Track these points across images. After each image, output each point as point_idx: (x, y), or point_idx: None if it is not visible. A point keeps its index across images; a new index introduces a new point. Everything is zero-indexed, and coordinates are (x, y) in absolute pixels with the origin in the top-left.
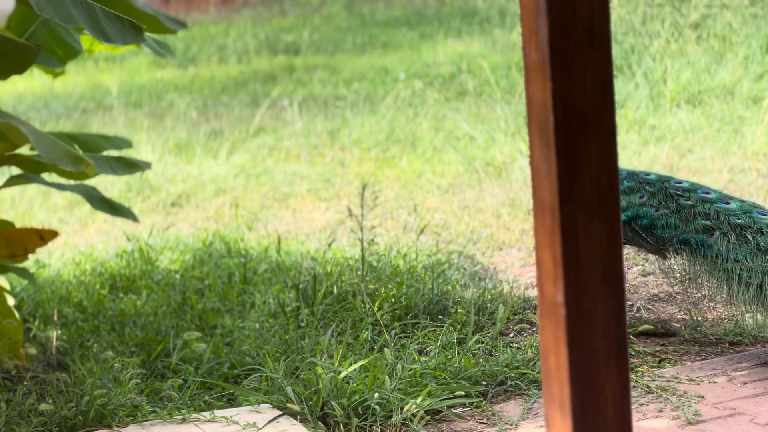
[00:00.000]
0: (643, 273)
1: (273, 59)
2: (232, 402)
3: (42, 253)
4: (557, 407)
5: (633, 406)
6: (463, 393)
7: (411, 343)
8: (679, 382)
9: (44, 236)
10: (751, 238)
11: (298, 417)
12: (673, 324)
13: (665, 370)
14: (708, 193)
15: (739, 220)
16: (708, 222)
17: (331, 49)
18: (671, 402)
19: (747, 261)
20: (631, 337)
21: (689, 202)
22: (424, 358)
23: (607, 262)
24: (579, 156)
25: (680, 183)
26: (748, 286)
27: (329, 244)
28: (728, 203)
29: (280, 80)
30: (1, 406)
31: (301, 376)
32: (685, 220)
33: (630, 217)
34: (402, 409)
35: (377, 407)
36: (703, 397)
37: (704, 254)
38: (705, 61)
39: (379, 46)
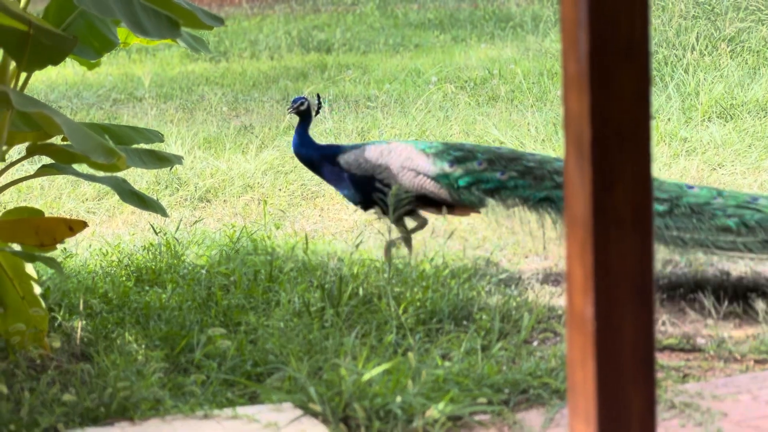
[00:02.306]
0: (670, 286)
1: (305, 56)
2: (254, 400)
3: (69, 242)
4: (582, 420)
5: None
6: (485, 400)
7: (435, 347)
8: (702, 399)
9: (73, 226)
10: None
11: (320, 418)
12: (698, 339)
13: (689, 385)
14: (534, 155)
15: None
16: (561, 179)
17: (363, 49)
18: (694, 418)
19: None
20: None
21: (531, 164)
22: (447, 364)
23: (637, 277)
24: (613, 169)
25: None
26: None
27: (356, 246)
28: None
29: (311, 78)
30: (25, 395)
31: (324, 376)
32: (539, 178)
33: (470, 182)
34: (424, 414)
35: (399, 411)
36: (726, 414)
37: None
38: (738, 75)
39: (411, 47)
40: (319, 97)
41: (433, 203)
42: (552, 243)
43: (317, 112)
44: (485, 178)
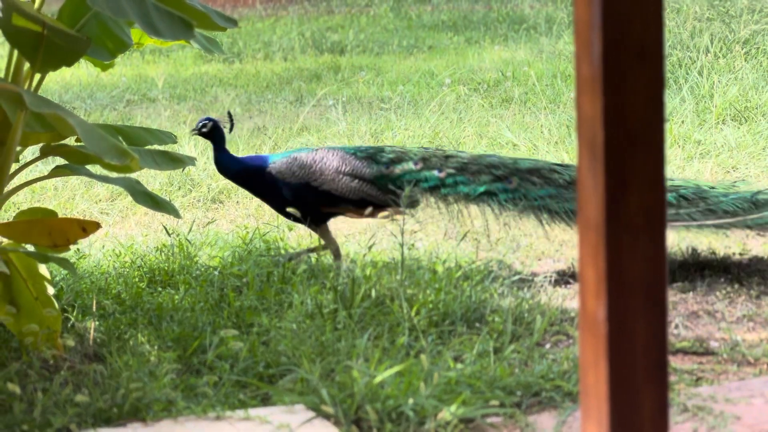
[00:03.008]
0: (683, 289)
1: (318, 58)
2: (266, 401)
3: (82, 243)
4: (594, 423)
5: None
6: (497, 402)
7: (447, 349)
8: (715, 402)
9: (86, 227)
10: (544, 178)
11: (332, 419)
12: (712, 343)
13: (702, 389)
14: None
15: (528, 165)
16: (499, 172)
17: (377, 51)
18: (707, 422)
19: (549, 196)
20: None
21: (466, 160)
22: (459, 366)
23: (650, 281)
24: (627, 173)
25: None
26: (556, 214)
27: (369, 247)
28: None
29: (325, 79)
30: (38, 396)
31: (337, 378)
32: (476, 173)
33: (409, 182)
34: (436, 416)
35: (411, 413)
36: (739, 418)
37: (512, 199)
38: (753, 77)
39: (425, 49)
40: (230, 114)
41: (367, 206)
42: (565, 245)
43: (231, 130)
44: (424, 177)
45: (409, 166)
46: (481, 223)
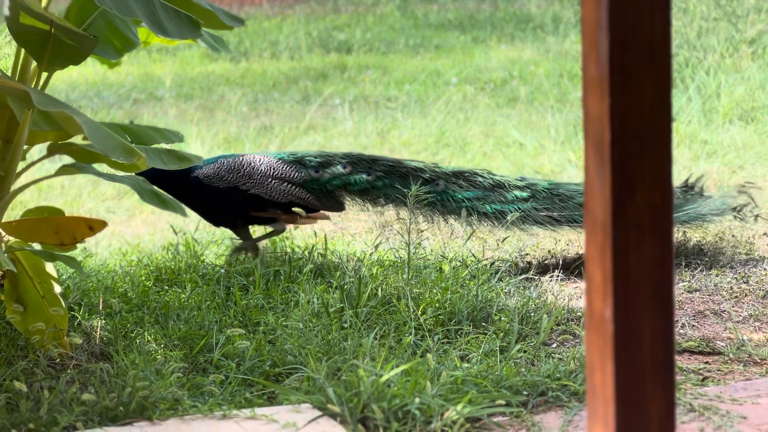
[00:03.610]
0: (689, 289)
1: (325, 57)
2: (272, 400)
3: (89, 242)
4: (601, 424)
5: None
6: (503, 402)
7: (453, 349)
8: (722, 402)
9: (93, 226)
10: (469, 181)
11: (338, 418)
12: (718, 342)
13: (708, 388)
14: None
15: (452, 169)
16: (426, 175)
17: (383, 50)
18: (713, 421)
19: (476, 198)
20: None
21: (392, 163)
22: (465, 365)
23: (657, 280)
24: (634, 173)
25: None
26: (483, 215)
27: (376, 246)
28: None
29: (331, 78)
30: (44, 394)
31: (343, 377)
32: (404, 176)
33: (339, 186)
34: (442, 415)
35: (417, 412)
36: (746, 417)
37: (440, 200)
38: (760, 77)
39: (431, 48)
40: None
41: (297, 209)
42: (571, 245)
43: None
44: (353, 180)
45: (338, 169)
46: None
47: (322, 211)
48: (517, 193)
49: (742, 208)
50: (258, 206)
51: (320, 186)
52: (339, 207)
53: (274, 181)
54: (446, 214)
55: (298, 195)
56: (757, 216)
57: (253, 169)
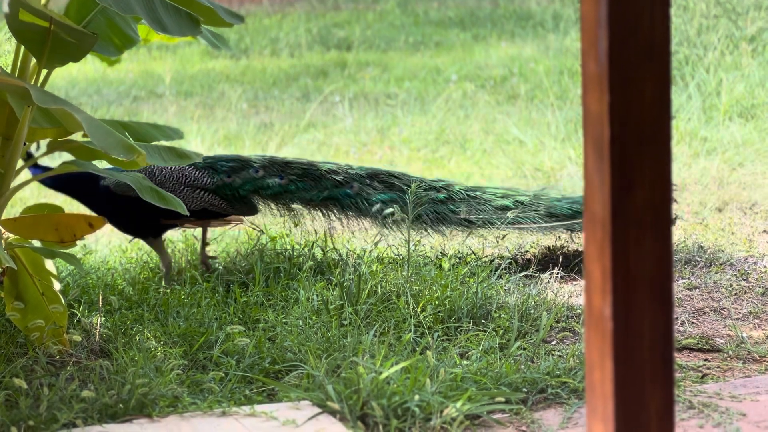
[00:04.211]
0: (689, 286)
1: (325, 54)
2: (272, 397)
3: (89, 239)
4: (600, 421)
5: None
6: (503, 399)
7: (453, 346)
8: (721, 399)
9: (93, 223)
10: (384, 183)
11: (338, 416)
12: (717, 339)
13: (707, 385)
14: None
15: (367, 171)
16: (340, 177)
17: (384, 47)
18: (713, 418)
19: (391, 200)
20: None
21: (305, 166)
22: (465, 362)
23: (656, 278)
24: (633, 170)
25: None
26: (392, 214)
27: (375, 243)
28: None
29: (331, 76)
30: (44, 391)
31: (342, 374)
32: (317, 179)
33: (252, 190)
34: (442, 412)
35: (417, 409)
36: (745, 414)
37: (354, 203)
38: (760, 74)
39: (431, 45)
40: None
41: (209, 216)
42: (571, 242)
43: (38, 148)
44: (266, 184)
45: (250, 174)
46: (325, 227)
47: (235, 217)
48: (434, 194)
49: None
50: (170, 214)
51: (233, 191)
52: (252, 211)
53: (186, 188)
54: (362, 216)
55: (211, 202)
56: (676, 218)
57: (165, 177)
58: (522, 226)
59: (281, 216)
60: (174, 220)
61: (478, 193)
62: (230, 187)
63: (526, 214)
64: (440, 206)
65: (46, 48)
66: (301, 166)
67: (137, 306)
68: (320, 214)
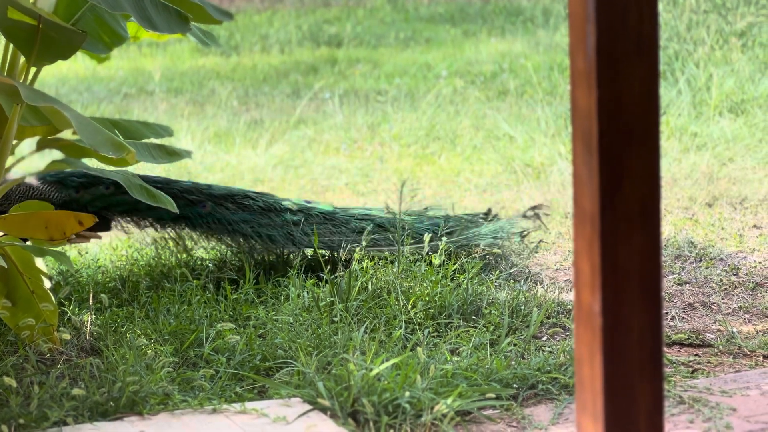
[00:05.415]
0: (679, 282)
1: (315, 51)
2: (263, 394)
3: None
4: (590, 417)
5: (664, 417)
6: (493, 395)
7: (444, 342)
8: (711, 394)
9: (83, 221)
10: (238, 204)
11: (329, 412)
12: (708, 335)
13: (698, 381)
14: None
15: (222, 192)
16: (193, 197)
17: (374, 43)
18: (703, 413)
19: (243, 221)
20: (663, 346)
21: (160, 184)
22: (456, 358)
23: (645, 274)
24: (622, 165)
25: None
26: (251, 237)
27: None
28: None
29: (321, 72)
30: (34, 389)
31: (333, 371)
32: (171, 197)
33: (101, 207)
34: (432, 408)
35: (407, 406)
36: (735, 409)
37: (206, 223)
38: (749, 70)
39: (421, 41)
40: None
41: None
42: (561, 238)
43: None
44: (116, 201)
45: (100, 190)
46: (176, 243)
47: (86, 233)
48: (289, 216)
49: (527, 232)
50: None
51: (81, 207)
52: (105, 227)
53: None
54: (219, 235)
55: None
56: (540, 241)
57: (11, 189)
58: (381, 248)
59: (130, 232)
60: None
61: (339, 215)
62: (78, 203)
63: (382, 235)
64: (293, 228)
65: (34, 46)
66: (156, 185)
67: (128, 304)
68: (172, 231)
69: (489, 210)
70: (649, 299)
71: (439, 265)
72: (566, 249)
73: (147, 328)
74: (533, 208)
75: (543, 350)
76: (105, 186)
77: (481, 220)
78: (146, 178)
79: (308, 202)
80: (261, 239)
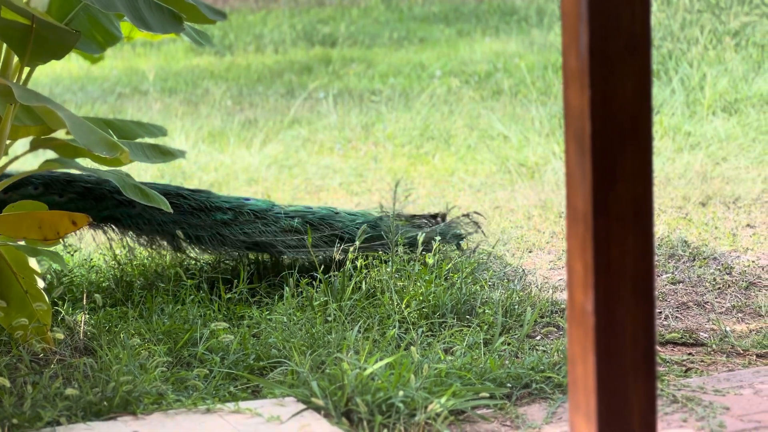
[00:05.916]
0: (672, 281)
1: (309, 50)
2: (256, 394)
3: (73, 237)
4: (583, 416)
5: (657, 416)
6: (487, 394)
7: (437, 342)
8: (704, 393)
9: (76, 221)
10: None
11: (322, 412)
12: (701, 334)
13: (691, 380)
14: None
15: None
16: (122, 197)
17: (368, 43)
18: (696, 412)
19: (173, 222)
20: (657, 345)
21: (90, 185)
22: (449, 358)
23: (638, 273)
24: (615, 165)
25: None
26: (180, 238)
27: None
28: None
29: (316, 72)
30: (28, 389)
31: (327, 371)
32: (99, 198)
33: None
34: (426, 408)
35: (401, 405)
36: (728, 408)
37: (135, 224)
38: (743, 69)
39: (416, 41)
40: None
41: None
42: (555, 237)
43: None
44: (44, 202)
45: (28, 191)
46: (105, 245)
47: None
48: (219, 216)
49: (463, 236)
50: None
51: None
52: None
53: None
54: (151, 236)
55: None
56: (477, 247)
57: None
58: (318, 249)
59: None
60: None
61: (269, 213)
62: (4, 204)
63: (314, 235)
64: (223, 228)
65: (28, 46)
66: (84, 185)
67: (121, 303)
68: (100, 231)
69: (438, 213)
70: (642, 299)
71: (433, 265)
72: (560, 248)
73: (141, 327)
74: (467, 215)
75: (537, 349)
76: (33, 187)
77: (425, 222)
78: (71, 179)
79: (247, 200)
80: (190, 240)
